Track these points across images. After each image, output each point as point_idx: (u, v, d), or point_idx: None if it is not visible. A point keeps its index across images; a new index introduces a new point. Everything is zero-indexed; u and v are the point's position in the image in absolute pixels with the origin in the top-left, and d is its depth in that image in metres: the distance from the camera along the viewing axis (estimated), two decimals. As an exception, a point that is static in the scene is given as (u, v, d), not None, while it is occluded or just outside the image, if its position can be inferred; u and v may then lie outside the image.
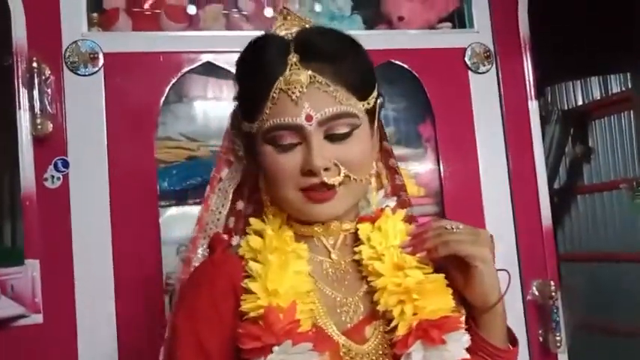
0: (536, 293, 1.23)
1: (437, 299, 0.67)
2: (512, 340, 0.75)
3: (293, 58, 0.67)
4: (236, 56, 1.11)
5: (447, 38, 1.27)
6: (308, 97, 0.66)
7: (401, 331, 0.66)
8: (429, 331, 0.64)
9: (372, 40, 1.23)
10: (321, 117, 0.65)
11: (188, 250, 0.80)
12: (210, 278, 0.72)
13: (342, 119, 0.66)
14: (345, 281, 0.72)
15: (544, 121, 2.46)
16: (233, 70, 1.17)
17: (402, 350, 0.65)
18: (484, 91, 1.26)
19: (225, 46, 1.15)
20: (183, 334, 0.68)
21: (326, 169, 0.66)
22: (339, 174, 0.66)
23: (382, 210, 0.75)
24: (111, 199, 1.07)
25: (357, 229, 0.74)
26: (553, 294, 1.21)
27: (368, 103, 0.69)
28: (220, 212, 0.80)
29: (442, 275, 0.70)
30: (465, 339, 0.68)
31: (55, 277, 1.03)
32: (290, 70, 0.66)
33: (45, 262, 1.03)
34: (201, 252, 0.80)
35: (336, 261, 0.73)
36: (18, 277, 1.00)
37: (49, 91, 1.05)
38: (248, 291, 0.66)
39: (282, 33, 0.72)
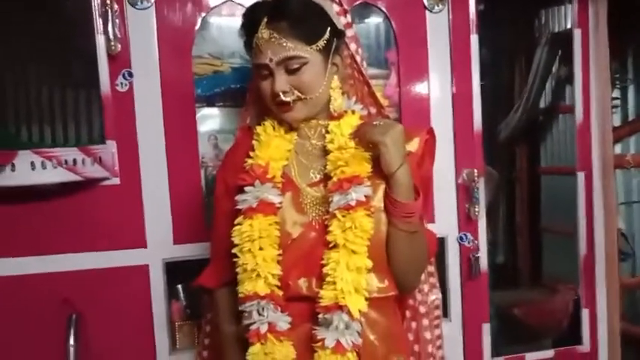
0: (465, 178, 1.66)
1: (356, 167, 1.05)
2: (416, 198, 1.07)
3: (265, 19, 1.06)
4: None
5: (410, -17, 1.63)
6: (269, 47, 1.05)
7: (330, 185, 1.08)
8: (342, 183, 1.05)
9: (353, -16, 1.61)
10: (277, 59, 1.05)
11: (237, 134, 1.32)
12: (234, 149, 1.21)
13: (293, 60, 1.05)
14: (317, 156, 1.16)
15: (536, 42, 2.56)
16: (247, 4, 1.56)
17: (329, 194, 1.08)
18: (437, 27, 1.62)
19: (243, -12, 1.54)
20: (218, 178, 1.19)
21: (284, 92, 1.06)
22: (293, 94, 1.07)
23: (346, 111, 1.15)
24: (163, 100, 1.49)
25: (328, 124, 1.16)
26: (476, 179, 1.65)
27: (317, 45, 1.06)
28: (251, 111, 1.30)
29: (366, 153, 1.06)
30: (364, 190, 1.03)
31: (126, 152, 1.48)
32: (260, 29, 1.06)
33: (119, 141, 1.47)
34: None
35: (314, 144, 1.17)
36: (103, 151, 1.44)
37: (117, 21, 1.43)
38: (249, 156, 1.13)
39: None
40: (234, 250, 1.08)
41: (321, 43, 1.07)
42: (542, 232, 2.73)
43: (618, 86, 2.64)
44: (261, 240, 1.05)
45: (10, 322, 1.46)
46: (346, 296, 1.01)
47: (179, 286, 1.66)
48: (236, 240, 1.08)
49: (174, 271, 1.55)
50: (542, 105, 2.62)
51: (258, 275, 1.04)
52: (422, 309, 1.44)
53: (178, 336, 1.60)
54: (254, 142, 1.15)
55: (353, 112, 1.16)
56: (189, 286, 1.60)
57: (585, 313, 1.84)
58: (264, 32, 1.05)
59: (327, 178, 1.11)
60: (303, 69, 1.06)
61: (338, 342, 1.01)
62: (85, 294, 1.49)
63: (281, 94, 1.06)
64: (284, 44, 1.04)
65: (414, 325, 1.42)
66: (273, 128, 1.16)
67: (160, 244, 1.52)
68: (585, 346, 1.84)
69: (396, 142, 1.03)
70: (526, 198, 2.93)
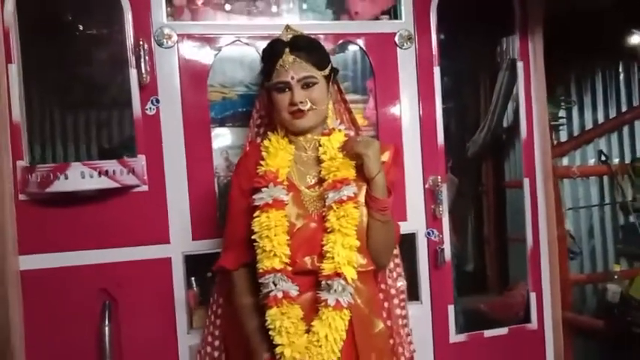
0: (431, 183, 2.00)
1: (344, 172, 1.37)
2: (389, 196, 1.40)
3: (286, 49, 1.40)
4: (254, 37, 1.88)
5: (384, 26, 1.98)
6: (292, 67, 1.39)
7: (326, 185, 1.40)
8: (335, 184, 1.38)
9: (337, 27, 1.96)
10: (297, 77, 1.39)
11: (244, 147, 1.61)
12: (245, 159, 1.52)
13: (308, 79, 1.39)
14: (311, 164, 1.47)
15: (498, 67, 2.72)
16: (252, 44, 1.89)
17: (324, 192, 1.40)
18: (406, 61, 1.98)
19: (248, 30, 1.88)
20: (233, 183, 1.49)
21: (301, 102, 1.39)
22: (307, 105, 1.40)
23: (334, 129, 1.49)
24: (183, 122, 1.81)
25: (320, 139, 1.49)
26: (439, 184, 2.00)
27: (324, 72, 1.42)
28: (255, 129, 1.61)
29: (352, 162, 1.38)
30: (352, 189, 1.35)
31: (154, 164, 1.79)
32: (284, 55, 1.40)
33: (148, 155, 1.79)
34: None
35: (309, 155, 1.49)
36: (135, 163, 1.75)
37: (147, 57, 1.75)
38: (260, 165, 1.45)
39: (285, 38, 1.45)
40: (254, 237, 1.39)
41: (327, 71, 1.43)
42: (508, 242, 2.90)
43: (564, 107, 3.01)
44: (275, 228, 1.37)
45: (56, 306, 1.75)
46: (342, 267, 1.34)
47: (192, 278, 1.96)
48: (256, 228, 1.38)
49: (192, 262, 1.86)
50: (505, 124, 2.82)
51: (275, 255, 1.36)
52: (392, 291, 1.75)
53: (194, 318, 1.90)
54: (263, 153, 1.46)
55: (340, 130, 1.50)
56: (202, 277, 1.92)
57: (533, 296, 2.19)
58: (289, 57, 1.39)
59: (320, 181, 1.44)
60: (315, 87, 1.40)
61: (337, 301, 1.34)
62: (118, 283, 1.79)
63: (299, 103, 1.39)
64: (304, 66, 1.39)
65: (386, 304, 1.72)
66: (277, 142, 1.49)
67: (180, 240, 1.83)
68: (534, 325, 2.19)
69: (375, 154, 1.37)
70: (492, 210, 3.08)
